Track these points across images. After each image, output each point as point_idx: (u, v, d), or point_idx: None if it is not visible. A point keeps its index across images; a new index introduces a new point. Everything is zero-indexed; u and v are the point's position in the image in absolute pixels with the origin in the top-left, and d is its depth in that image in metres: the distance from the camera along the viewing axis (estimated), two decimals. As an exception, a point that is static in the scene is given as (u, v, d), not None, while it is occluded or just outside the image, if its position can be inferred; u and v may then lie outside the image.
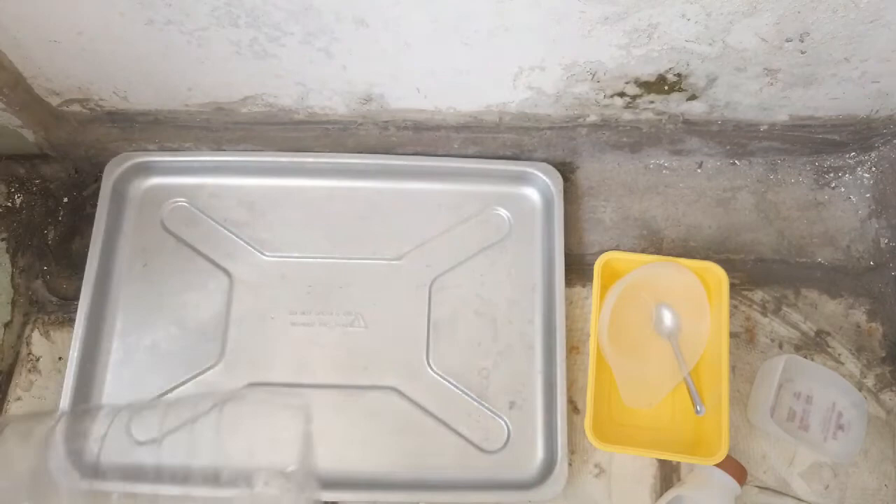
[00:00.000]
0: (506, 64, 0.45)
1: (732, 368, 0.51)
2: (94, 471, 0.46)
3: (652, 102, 0.49)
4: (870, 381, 0.51)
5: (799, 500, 0.48)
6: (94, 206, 0.52)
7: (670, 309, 0.50)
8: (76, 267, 0.54)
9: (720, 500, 0.44)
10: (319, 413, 0.49)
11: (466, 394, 0.50)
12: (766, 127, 0.53)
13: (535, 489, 0.46)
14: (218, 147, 0.55)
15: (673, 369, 0.49)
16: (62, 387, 0.48)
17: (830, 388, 0.49)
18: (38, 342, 0.52)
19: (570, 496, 0.48)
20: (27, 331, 0.52)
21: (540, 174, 0.54)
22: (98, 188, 0.53)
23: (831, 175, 0.57)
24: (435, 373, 0.50)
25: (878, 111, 0.50)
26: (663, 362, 0.49)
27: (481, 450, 0.49)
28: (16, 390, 0.51)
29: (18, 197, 0.56)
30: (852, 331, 0.52)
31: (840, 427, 0.48)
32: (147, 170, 0.54)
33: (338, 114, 0.51)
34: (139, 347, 0.51)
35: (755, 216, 0.56)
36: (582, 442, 0.49)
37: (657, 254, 0.53)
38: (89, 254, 0.51)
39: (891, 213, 0.55)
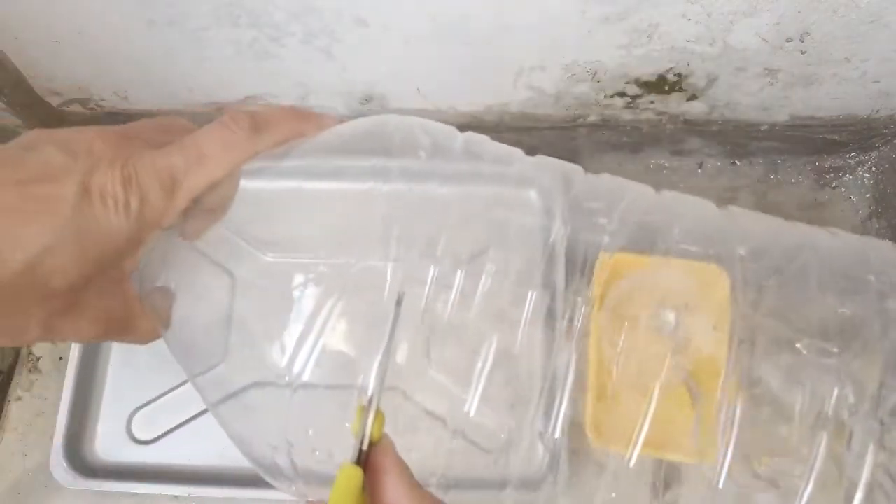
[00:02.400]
0: (506, 64, 0.45)
1: (733, 368, 0.51)
2: (94, 471, 0.47)
3: (652, 102, 0.49)
4: (870, 382, 0.51)
5: (799, 500, 0.48)
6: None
7: (673, 311, 0.50)
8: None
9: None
10: (320, 413, 0.49)
11: (467, 393, 0.50)
12: (766, 127, 0.53)
13: (535, 489, 0.46)
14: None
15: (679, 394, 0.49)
16: (62, 387, 0.48)
17: (831, 389, 0.49)
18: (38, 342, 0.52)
19: (571, 496, 0.48)
20: (28, 331, 0.52)
21: (541, 175, 0.54)
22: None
23: (832, 175, 0.57)
24: (435, 372, 0.50)
25: (878, 111, 0.51)
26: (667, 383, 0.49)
27: (481, 449, 0.49)
28: (16, 390, 0.51)
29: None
30: (853, 331, 0.52)
31: (841, 427, 0.48)
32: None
33: (339, 114, 0.51)
34: (141, 347, 0.51)
35: (755, 216, 0.56)
36: (582, 441, 0.49)
37: (658, 255, 0.53)
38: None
39: (891, 213, 0.55)
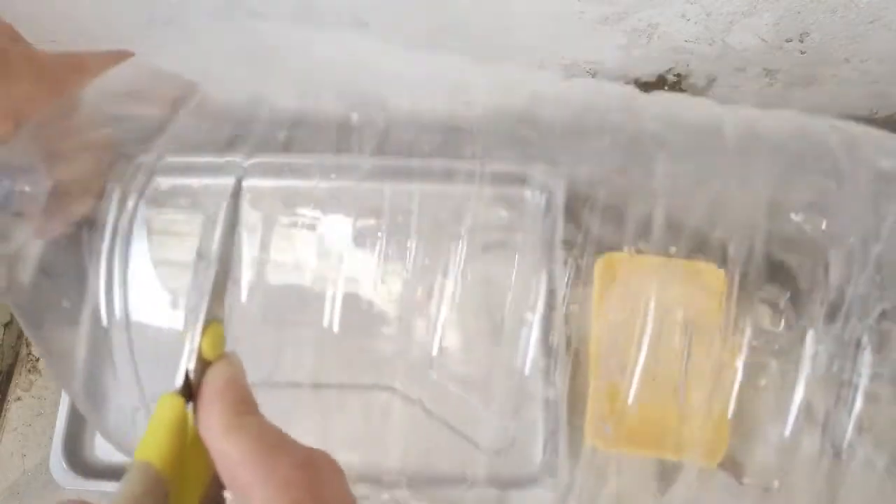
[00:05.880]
0: (506, 64, 0.45)
1: (732, 368, 0.51)
2: (94, 471, 0.46)
3: (652, 103, 0.49)
4: (870, 382, 0.51)
5: (799, 500, 0.48)
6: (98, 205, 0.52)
7: (672, 311, 0.50)
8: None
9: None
10: (320, 413, 0.49)
11: (467, 394, 0.50)
12: (765, 127, 0.53)
13: (535, 489, 0.46)
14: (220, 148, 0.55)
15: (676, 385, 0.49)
16: (62, 387, 0.48)
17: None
18: (38, 342, 0.52)
19: (570, 496, 0.48)
20: (27, 331, 0.52)
21: (540, 175, 0.54)
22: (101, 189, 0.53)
23: (831, 175, 0.57)
24: (436, 373, 0.50)
25: (877, 111, 0.51)
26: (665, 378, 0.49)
27: (482, 450, 0.49)
28: (16, 390, 0.51)
29: (19, 197, 0.56)
30: (852, 331, 0.52)
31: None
32: (149, 171, 0.54)
33: (339, 114, 0.51)
34: (141, 347, 0.51)
35: (755, 216, 0.56)
36: (582, 441, 0.49)
37: (658, 255, 0.53)
38: (91, 254, 0.51)
39: (891, 214, 0.55)
